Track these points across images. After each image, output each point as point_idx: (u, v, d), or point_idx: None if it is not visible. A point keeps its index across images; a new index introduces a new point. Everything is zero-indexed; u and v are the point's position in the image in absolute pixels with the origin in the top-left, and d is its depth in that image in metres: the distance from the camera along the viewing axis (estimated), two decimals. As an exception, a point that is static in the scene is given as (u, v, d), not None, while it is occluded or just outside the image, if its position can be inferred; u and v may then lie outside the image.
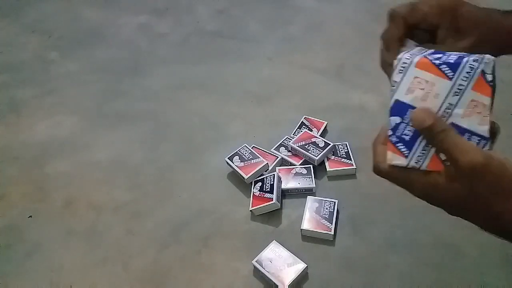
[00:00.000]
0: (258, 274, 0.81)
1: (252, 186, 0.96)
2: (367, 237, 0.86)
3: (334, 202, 0.91)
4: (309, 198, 0.93)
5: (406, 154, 0.40)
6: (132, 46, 1.52)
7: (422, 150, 0.39)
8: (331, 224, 0.87)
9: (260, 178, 0.97)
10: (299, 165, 1.02)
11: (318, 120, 1.15)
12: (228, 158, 1.01)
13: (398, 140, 0.40)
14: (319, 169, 1.02)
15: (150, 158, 1.09)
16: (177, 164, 1.06)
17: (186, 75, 1.37)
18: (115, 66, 1.43)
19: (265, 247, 0.84)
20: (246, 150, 1.02)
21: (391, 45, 0.50)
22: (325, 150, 1.02)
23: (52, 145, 1.15)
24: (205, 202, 0.97)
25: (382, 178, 0.46)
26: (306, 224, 0.87)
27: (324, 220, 0.88)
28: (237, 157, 1.01)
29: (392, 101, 0.39)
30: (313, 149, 1.02)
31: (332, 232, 0.86)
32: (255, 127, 1.15)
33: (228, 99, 1.26)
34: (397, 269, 0.81)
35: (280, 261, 0.81)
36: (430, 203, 0.46)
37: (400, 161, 0.40)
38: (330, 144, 1.04)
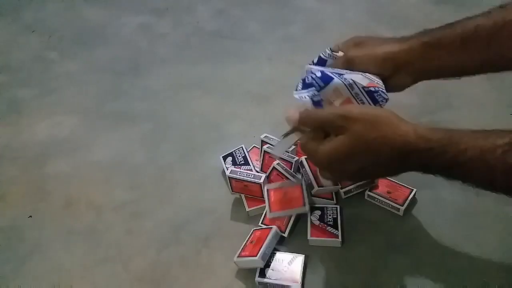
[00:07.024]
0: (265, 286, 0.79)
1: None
2: (367, 237, 0.86)
3: (337, 207, 0.89)
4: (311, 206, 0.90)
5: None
6: (132, 46, 1.52)
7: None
8: (338, 230, 0.84)
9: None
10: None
11: (318, 120, 1.14)
12: (222, 156, 1.01)
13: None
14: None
15: (150, 158, 1.09)
16: (177, 164, 1.06)
17: (186, 75, 1.37)
18: (115, 66, 1.43)
19: (265, 247, 0.83)
20: (240, 153, 1.02)
21: None
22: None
23: (52, 145, 1.15)
24: (205, 202, 0.97)
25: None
26: (312, 234, 0.85)
27: (329, 227, 0.85)
28: (230, 158, 1.01)
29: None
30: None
31: (340, 239, 0.83)
32: (255, 127, 1.14)
33: (228, 99, 1.26)
34: (397, 269, 0.81)
35: (281, 264, 0.80)
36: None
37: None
38: None
